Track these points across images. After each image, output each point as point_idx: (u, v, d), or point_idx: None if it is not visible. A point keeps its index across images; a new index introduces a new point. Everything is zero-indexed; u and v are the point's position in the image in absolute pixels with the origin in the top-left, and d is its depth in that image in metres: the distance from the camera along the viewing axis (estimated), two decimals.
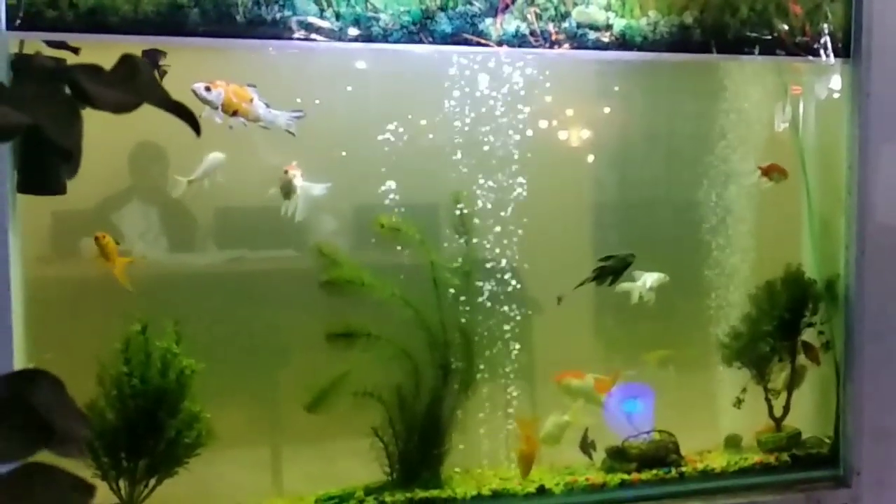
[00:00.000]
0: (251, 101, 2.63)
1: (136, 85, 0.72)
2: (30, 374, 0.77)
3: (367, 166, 3.03)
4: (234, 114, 2.62)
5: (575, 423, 3.13)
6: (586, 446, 3.17)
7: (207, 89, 2.57)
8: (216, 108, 2.56)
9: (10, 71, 2.44)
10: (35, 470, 0.71)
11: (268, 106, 2.67)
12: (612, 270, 3.06)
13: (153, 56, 2.55)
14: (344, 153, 3.01)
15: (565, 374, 3.13)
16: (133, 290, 2.74)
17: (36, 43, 2.51)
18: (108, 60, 0.78)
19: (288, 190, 2.77)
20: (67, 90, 0.73)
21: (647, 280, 3.18)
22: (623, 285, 3.14)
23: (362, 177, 3.07)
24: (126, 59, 0.74)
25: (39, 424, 0.73)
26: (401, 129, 2.97)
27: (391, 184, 2.99)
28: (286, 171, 2.77)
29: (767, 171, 3.33)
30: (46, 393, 0.77)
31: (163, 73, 2.61)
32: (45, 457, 0.75)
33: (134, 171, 3.02)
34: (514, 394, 3.14)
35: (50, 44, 2.51)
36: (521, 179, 3.09)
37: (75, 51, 2.52)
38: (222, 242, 3.16)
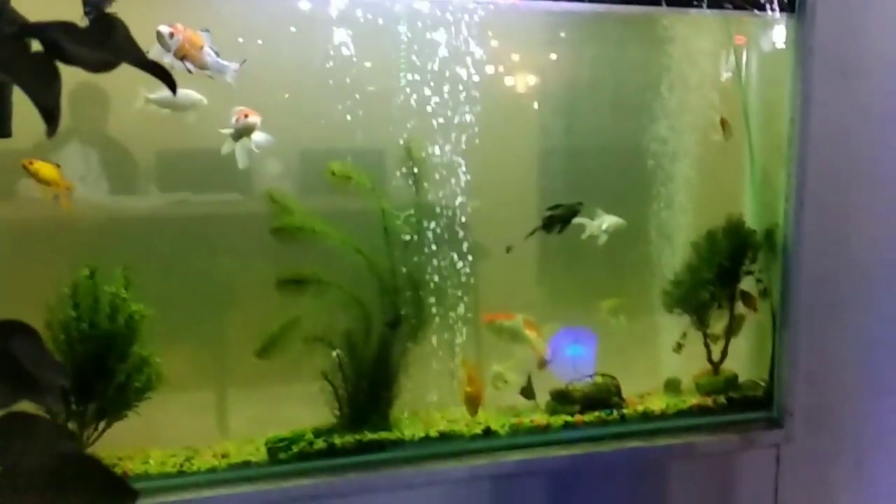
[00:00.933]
0: (202, 48, 2.60)
1: (113, 44, 0.73)
2: (9, 326, 0.78)
3: (312, 110, 3.03)
4: (183, 58, 2.59)
5: (506, 374, 3.21)
6: (528, 391, 3.26)
7: (171, 35, 2.54)
8: (168, 52, 2.53)
9: None
10: (21, 419, 0.72)
11: (217, 55, 2.65)
12: (560, 219, 3.12)
13: (98, 3, 2.49)
14: (287, 95, 3.00)
15: (494, 316, 3.19)
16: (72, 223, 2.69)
17: None
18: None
19: (242, 135, 2.75)
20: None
21: (606, 221, 3.25)
22: (580, 219, 3.20)
23: (308, 120, 3.06)
24: (102, 18, 0.75)
25: (20, 374, 0.74)
26: (347, 73, 2.97)
27: (338, 129, 3.00)
28: (246, 116, 2.74)
29: (724, 124, 3.40)
30: (25, 344, 0.78)
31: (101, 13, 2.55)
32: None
33: (74, 111, 2.96)
34: (462, 338, 3.19)
35: None
36: (470, 127, 3.11)
37: None
38: (168, 186, 3.13)
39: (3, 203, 2.92)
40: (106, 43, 0.73)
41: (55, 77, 0.70)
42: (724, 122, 3.39)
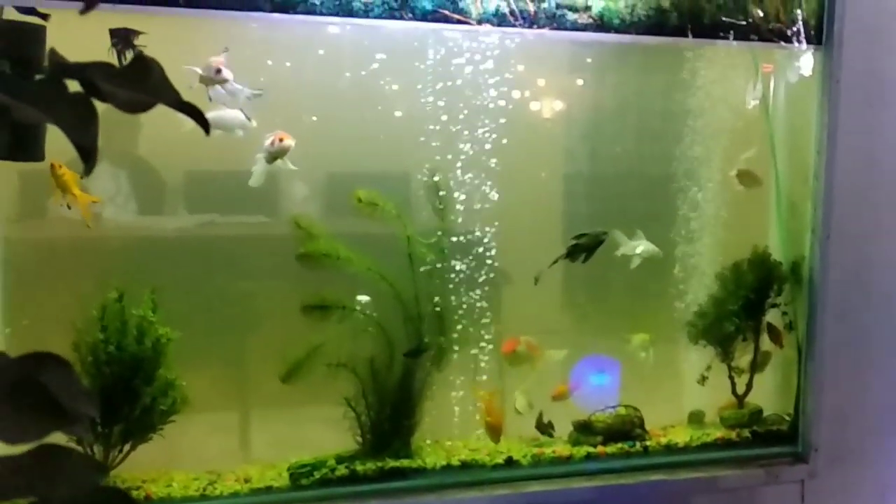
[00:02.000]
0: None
1: (149, 84, 0.75)
2: (41, 357, 0.80)
3: (339, 134, 3.06)
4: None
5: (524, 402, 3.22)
6: (543, 426, 3.25)
7: (218, 72, 2.62)
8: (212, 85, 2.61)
9: None
10: (50, 451, 0.74)
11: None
12: (585, 248, 3.12)
13: (126, 35, 2.54)
14: (315, 118, 3.04)
15: (511, 345, 3.20)
16: (92, 228, 2.72)
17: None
18: (89, 29, 0.80)
19: (276, 158, 2.78)
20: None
21: (642, 246, 3.26)
22: (618, 236, 3.24)
23: (336, 144, 3.10)
24: (139, 59, 0.77)
25: (51, 406, 0.76)
26: (375, 99, 3.00)
27: (364, 153, 3.03)
28: (281, 140, 2.77)
29: (742, 177, 3.41)
30: (56, 374, 0.80)
31: (137, 53, 2.61)
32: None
33: (105, 133, 3.00)
34: (485, 366, 3.19)
35: (18, 9, 2.49)
36: (495, 154, 3.13)
37: (45, 17, 2.50)
38: (194, 208, 3.16)
39: (33, 224, 2.97)
40: (142, 83, 0.75)
41: (93, 117, 0.72)
42: (744, 174, 3.39)
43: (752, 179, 3.42)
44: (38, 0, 2.44)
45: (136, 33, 2.57)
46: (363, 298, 2.96)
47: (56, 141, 0.89)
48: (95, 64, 0.75)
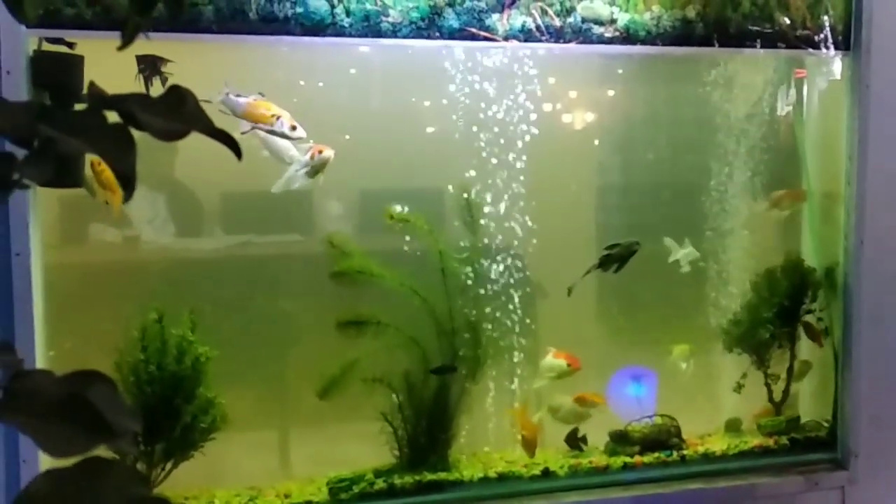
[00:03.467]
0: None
1: (183, 113, 0.79)
2: (86, 374, 0.84)
3: (372, 151, 3.11)
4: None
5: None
6: (573, 440, 3.26)
7: (278, 118, 2.70)
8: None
9: (30, 68, 2.50)
10: (95, 463, 0.78)
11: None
12: (617, 258, 3.14)
13: (154, 62, 2.61)
14: (348, 137, 3.09)
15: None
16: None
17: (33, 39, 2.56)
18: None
19: (318, 171, 2.83)
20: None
21: (689, 254, 3.36)
22: (669, 243, 3.34)
23: (368, 162, 3.15)
24: (174, 89, 0.81)
25: (96, 421, 0.80)
26: (407, 116, 3.05)
27: (398, 169, 3.07)
28: (320, 151, 2.81)
29: (778, 202, 3.45)
30: (100, 391, 0.84)
31: (164, 80, 2.67)
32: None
33: (141, 157, 3.08)
34: (519, 379, 3.21)
35: (48, 39, 2.56)
36: (527, 167, 3.17)
37: (70, 45, 2.57)
38: (230, 227, 3.23)
39: (74, 249, 3.04)
40: (177, 113, 0.79)
41: (131, 146, 0.76)
42: (780, 198, 3.41)
43: (791, 200, 3.42)
44: (76, 33, 2.51)
45: (164, 60, 2.64)
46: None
47: None
48: (133, 95, 0.80)
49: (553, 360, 3.17)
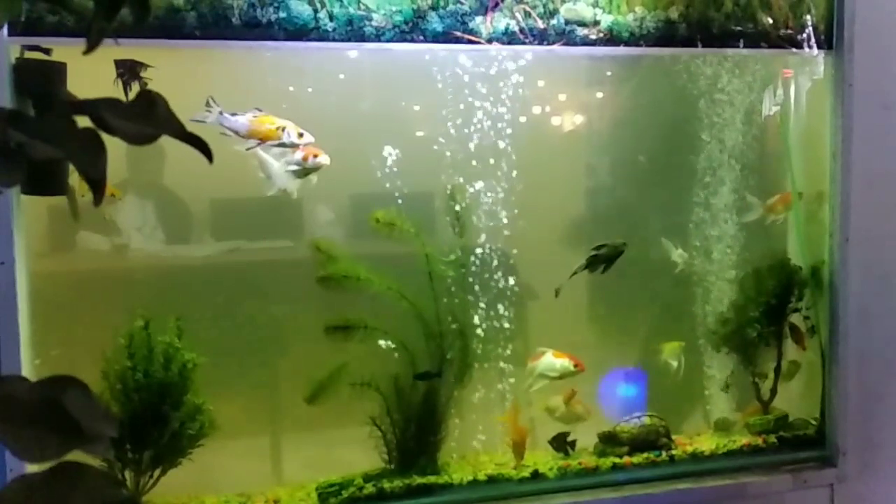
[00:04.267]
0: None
1: (154, 117, 0.79)
2: (61, 380, 0.84)
3: (362, 155, 3.11)
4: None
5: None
6: (559, 443, 3.25)
7: (301, 136, 2.72)
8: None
9: (13, 76, 2.49)
10: (68, 468, 0.78)
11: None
12: (604, 258, 3.14)
13: (132, 67, 2.60)
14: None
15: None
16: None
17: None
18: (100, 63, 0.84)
19: (309, 173, 2.82)
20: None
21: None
22: (667, 244, 3.39)
23: (356, 166, 3.15)
24: (144, 93, 0.81)
25: (71, 426, 0.80)
26: (394, 119, 3.05)
27: (385, 174, 3.07)
28: (315, 156, 2.80)
29: (773, 208, 3.47)
30: (76, 396, 0.84)
31: (143, 85, 2.67)
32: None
33: (130, 164, 3.08)
34: (508, 381, 3.22)
35: (26, 47, 2.56)
36: (514, 169, 3.17)
37: (47, 52, 2.57)
38: (218, 234, 3.22)
39: (61, 257, 3.03)
40: (147, 117, 0.79)
41: (101, 150, 0.76)
42: (775, 204, 3.45)
43: (785, 204, 3.46)
44: (59, 40, 2.51)
45: (143, 65, 2.63)
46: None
47: None
48: (104, 100, 0.80)
49: (555, 360, 3.17)
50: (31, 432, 0.76)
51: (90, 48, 0.79)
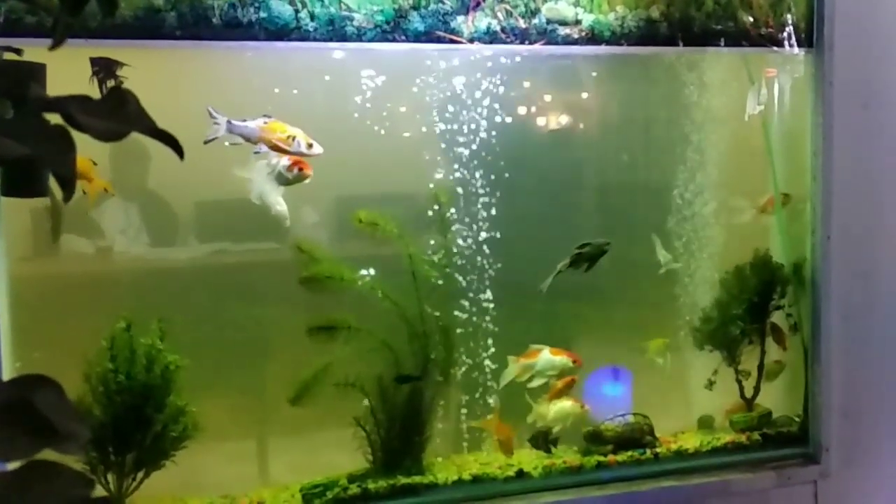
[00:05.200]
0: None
1: (124, 114, 0.79)
2: (32, 379, 0.84)
3: (342, 157, 3.11)
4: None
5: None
6: (539, 441, 3.23)
7: (310, 146, 2.73)
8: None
9: None
10: (39, 466, 0.77)
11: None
12: (588, 257, 3.14)
13: (108, 65, 2.58)
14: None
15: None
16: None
17: None
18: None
19: (291, 183, 2.82)
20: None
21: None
22: (658, 247, 3.39)
23: (339, 168, 3.14)
24: (115, 91, 0.81)
25: (42, 425, 0.79)
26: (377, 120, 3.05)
27: (368, 175, 3.07)
28: (301, 168, 2.79)
29: (764, 208, 3.51)
30: (47, 396, 0.83)
31: (119, 83, 2.64)
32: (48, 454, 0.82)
33: (114, 167, 3.06)
34: (491, 381, 3.21)
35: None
36: (495, 170, 3.17)
37: (18, 51, 2.55)
38: (203, 236, 3.21)
39: (42, 261, 3.01)
40: (117, 114, 0.78)
41: (71, 147, 0.76)
42: (766, 204, 3.48)
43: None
44: (39, 41, 2.49)
45: (119, 63, 2.60)
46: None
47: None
48: (74, 97, 0.79)
49: (554, 357, 3.16)
50: (2, 431, 0.76)
51: (55, 44, 0.78)
